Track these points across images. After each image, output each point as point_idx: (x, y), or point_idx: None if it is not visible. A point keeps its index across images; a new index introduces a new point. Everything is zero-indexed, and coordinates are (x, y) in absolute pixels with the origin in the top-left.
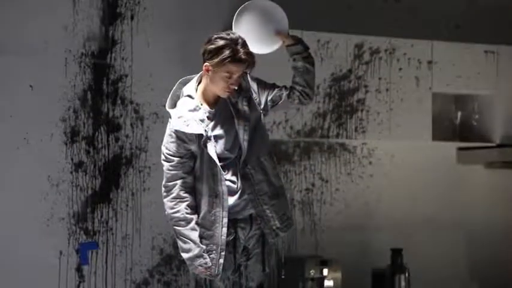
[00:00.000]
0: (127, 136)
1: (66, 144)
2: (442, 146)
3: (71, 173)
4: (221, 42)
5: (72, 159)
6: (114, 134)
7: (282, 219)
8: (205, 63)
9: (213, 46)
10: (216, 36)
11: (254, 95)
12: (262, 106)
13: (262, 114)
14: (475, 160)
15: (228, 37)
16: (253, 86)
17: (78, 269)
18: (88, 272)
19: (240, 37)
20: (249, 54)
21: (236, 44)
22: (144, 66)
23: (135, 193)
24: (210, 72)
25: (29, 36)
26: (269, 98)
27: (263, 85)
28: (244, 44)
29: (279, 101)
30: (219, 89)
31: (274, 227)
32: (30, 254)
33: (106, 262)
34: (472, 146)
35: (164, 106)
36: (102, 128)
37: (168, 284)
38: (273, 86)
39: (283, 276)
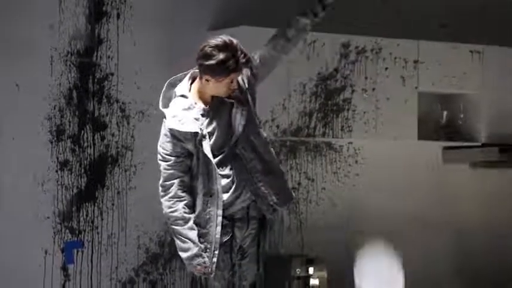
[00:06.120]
0: (113, 135)
1: (51, 142)
2: (427, 145)
3: (57, 171)
4: (221, 56)
5: (57, 158)
6: (100, 133)
7: (279, 194)
8: (206, 76)
9: (212, 62)
10: (210, 48)
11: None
12: (246, 86)
13: (248, 94)
14: (460, 159)
15: (227, 48)
16: None
17: (64, 268)
18: (73, 271)
19: (232, 40)
20: (246, 54)
21: (236, 51)
22: (130, 64)
23: (120, 192)
24: (210, 82)
25: (14, 35)
26: (248, 74)
27: None
28: (240, 47)
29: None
30: (222, 93)
31: (271, 203)
32: (15, 253)
33: (91, 261)
34: (458, 145)
35: (151, 104)
36: (87, 127)
37: (153, 283)
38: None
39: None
